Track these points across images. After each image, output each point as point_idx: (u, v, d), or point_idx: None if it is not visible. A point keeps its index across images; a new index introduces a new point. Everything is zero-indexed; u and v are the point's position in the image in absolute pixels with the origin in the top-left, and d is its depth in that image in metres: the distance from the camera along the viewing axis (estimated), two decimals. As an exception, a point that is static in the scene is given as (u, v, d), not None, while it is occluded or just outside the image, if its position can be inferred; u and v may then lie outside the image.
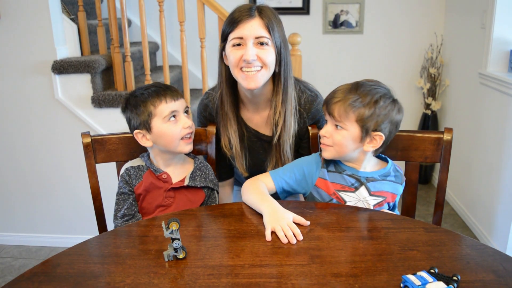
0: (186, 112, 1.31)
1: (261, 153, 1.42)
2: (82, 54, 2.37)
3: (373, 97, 1.12)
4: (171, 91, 1.28)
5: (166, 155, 1.30)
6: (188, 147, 1.29)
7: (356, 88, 1.14)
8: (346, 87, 1.16)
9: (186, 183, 1.29)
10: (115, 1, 2.22)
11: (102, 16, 2.39)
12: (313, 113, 1.38)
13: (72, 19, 2.35)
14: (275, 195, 1.23)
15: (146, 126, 1.25)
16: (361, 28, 3.02)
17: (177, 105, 1.26)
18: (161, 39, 2.24)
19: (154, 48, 3.02)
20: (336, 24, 3.02)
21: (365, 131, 1.12)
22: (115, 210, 1.30)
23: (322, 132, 1.17)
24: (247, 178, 1.45)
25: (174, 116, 1.26)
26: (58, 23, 2.18)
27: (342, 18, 3.00)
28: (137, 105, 1.25)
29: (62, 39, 2.23)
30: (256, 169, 1.42)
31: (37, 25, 2.12)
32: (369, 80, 1.18)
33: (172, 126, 1.25)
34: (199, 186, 1.31)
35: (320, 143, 1.19)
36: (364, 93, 1.12)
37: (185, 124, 1.27)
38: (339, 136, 1.14)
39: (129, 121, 1.30)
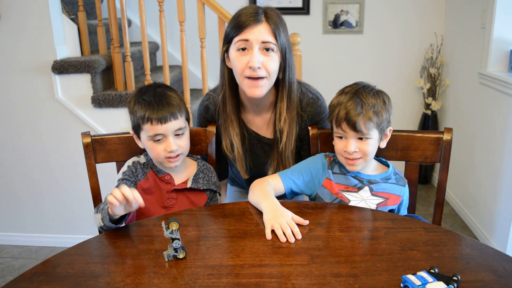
0: (179, 134, 1.22)
1: (261, 156, 1.41)
2: (82, 54, 2.37)
3: (378, 99, 1.16)
4: (164, 112, 1.18)
5: None
6: (172, 165, 1.23)
7: (361, 96, 1.15)
8: (351, 100, 1.15)
9: (189, 185, 1.28)
10: (115, 1, 2.22)
11: (102, 16, 2.39)
12: (314, 115, 1.38)
13: (72, 19, 2.35)
14: (282, 197, 1.24)
15: (137, 133, 1.25)
16: (361, 28, 3.01)
17: (164, 128, 1.18)
18: (161, 39, 2.24)
19: (154, 48, 3.02)
20: (336, 24, 3.02)
21: (382, 132, 1.19)
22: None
23: (350, 149, 1.15)
24: (247, 180, 1.45)
25: (159, 138, 1.20)
26: (58, 23, 2.18)
27: (342, 18, 3.00)
28: (132, 110, 1.23)
29: (62, 39, 2.23)
30: (256, 171, 1.42)
31: (37, 25, 2.12)
32: (357, 83, 1.20)
33: (155, 146, 1.20)
34: (201, 188, 1.30)
35: (347, 158, 1.18)
36: (372, 99, 1.15)
37: (168, 148, 1.19)
38: (367, 146, 1.16)
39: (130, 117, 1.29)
